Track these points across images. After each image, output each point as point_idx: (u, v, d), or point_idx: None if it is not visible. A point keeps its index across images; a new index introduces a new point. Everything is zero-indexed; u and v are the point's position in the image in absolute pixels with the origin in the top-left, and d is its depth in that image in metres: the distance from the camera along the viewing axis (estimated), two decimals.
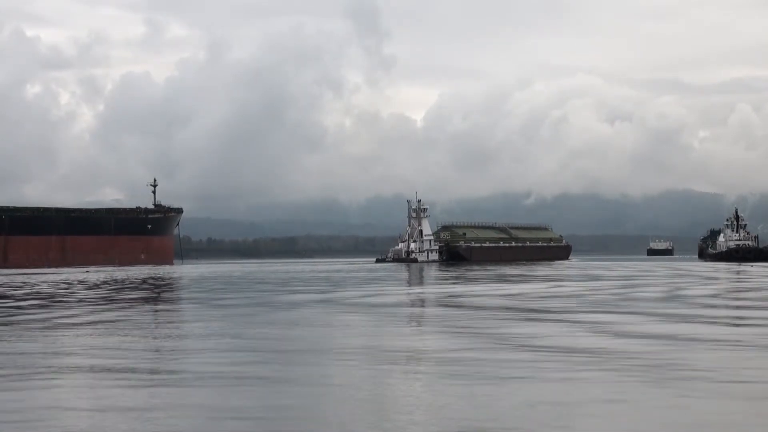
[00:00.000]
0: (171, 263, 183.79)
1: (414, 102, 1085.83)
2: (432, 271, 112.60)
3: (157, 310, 42.72)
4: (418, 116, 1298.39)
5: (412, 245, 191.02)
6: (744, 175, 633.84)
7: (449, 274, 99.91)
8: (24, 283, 79.42)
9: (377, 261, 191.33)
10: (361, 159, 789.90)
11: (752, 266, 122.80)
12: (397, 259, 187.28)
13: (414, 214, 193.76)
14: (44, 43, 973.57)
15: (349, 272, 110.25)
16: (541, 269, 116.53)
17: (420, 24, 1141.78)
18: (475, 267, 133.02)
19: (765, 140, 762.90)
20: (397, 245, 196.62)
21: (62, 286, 71.39)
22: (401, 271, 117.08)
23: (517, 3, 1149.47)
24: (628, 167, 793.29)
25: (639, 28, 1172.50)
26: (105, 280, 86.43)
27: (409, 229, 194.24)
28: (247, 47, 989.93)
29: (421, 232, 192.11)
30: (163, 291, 63.69)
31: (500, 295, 49.94)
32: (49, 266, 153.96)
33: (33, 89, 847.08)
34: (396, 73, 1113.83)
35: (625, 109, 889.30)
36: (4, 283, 77.54)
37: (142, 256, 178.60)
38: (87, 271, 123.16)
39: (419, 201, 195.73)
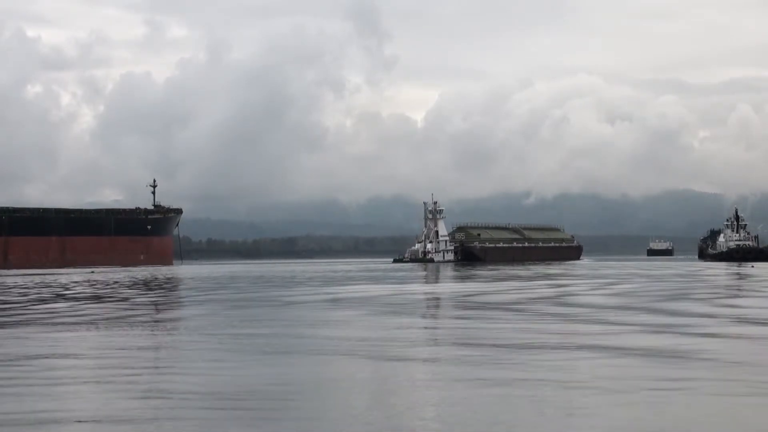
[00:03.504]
0: (170, 264, 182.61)
1: (414, 102, 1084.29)
2: (469, 271, 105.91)
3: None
4: (418, 116, 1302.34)
5: (428, 246, 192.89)
6: (744, 175, 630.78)
7: (505, 272, 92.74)
8: (42, 282, 76.11)
9: (394, 261, 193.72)
10: (361, 159, 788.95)
11: (753, 266, 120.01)
12: (414, 260, 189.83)
13: (430, 216, 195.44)
14: (45, 43, 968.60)
15: (401, 270, 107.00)
16: (580, 269, 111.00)
17: (420, 24, 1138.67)
18: (504, 267, 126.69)
19: (765, 140, 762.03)
20: (414, 246, 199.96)
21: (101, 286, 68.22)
22: (445, 270, 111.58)
23: (517, 3, 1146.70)
24: (628, 167, 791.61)
25: (639, 28, 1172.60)
26: (144, 279, 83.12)
27: (425, 230, 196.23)
28: (247, 48, 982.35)
29: (437, 233, 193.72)
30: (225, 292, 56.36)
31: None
32: (50, 267, 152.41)
33: (33, 89, 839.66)
34: (396, 73, 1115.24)
35: (625, 109, 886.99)
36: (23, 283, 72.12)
37: (142, 257, 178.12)
38: (92, 272, 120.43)
39: (435, 203, 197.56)
